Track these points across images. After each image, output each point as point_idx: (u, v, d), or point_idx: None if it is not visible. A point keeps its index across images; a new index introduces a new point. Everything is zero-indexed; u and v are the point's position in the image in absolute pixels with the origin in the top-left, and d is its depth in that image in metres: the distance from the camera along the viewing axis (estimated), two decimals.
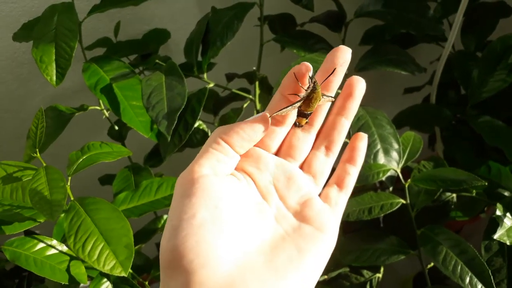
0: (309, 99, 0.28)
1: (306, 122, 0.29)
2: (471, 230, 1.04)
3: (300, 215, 0.28)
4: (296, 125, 0.29)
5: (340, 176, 0.29)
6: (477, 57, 0.74)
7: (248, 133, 0.27)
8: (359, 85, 0.29)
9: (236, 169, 0.29)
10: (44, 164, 0.42)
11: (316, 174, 0.29)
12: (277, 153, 0.30)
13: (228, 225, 0.25)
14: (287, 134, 0.30)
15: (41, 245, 0.47)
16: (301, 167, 0.30)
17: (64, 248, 0.47)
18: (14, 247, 0.46)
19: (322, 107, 0.29)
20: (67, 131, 0.56)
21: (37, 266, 0.45)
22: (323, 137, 0.30)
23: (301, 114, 0.28)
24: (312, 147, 0.30)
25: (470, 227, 1.03)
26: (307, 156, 0.30)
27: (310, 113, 0.28)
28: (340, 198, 0.29)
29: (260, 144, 0.29)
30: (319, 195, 0.29)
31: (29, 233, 0.50)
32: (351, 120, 0.30)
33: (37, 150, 0.43)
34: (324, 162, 0.30)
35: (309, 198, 0.28)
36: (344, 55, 0.28)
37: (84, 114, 0.59)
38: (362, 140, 0.30)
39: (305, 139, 0.30)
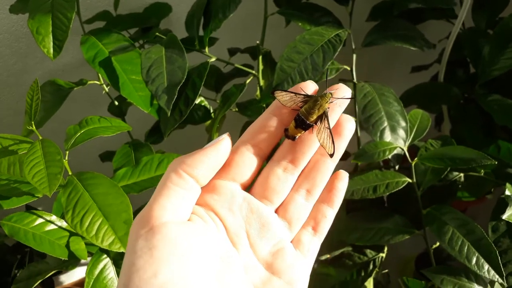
0: (313, 101, 0.26)
1: (294, 138, 0.26)
2: (476, 211, 1.03)
3: (271, 267, 0.26)
4: (287, 134, 0.26)
5: (316, 218, 0.27)
6: (488, 35, 0.72)
7: (214, 159, 0.24)
8: (348, 124, 0.27)
9: (205, 207, 0.26)
10: (40, 137, 0.41)
11: (292, 220, 0.27)
12: (252, 191, 0.27)
13: (193, 283, 0.22)
14: (267, 170, 0.27)
15: (40, 220, 0.46)
16: (277, 209, 0.27)
17: (63, 223, 0.47)
18: (13, 222, 0.45)
19: (310, 147, 0.27)
20: (67, 107, 0.55)
21: (36, 241, 0.45)
22: (304, 177, 0.27)
23: (297, 120, 0.26)
24: (292, 187, 0.27)
25: (475, 209, 1.02)
26: (285, 198, 0.27)
27: (305, 126, 0.26)
28: (313, 244, 0.27)
29: (232, 177, 0.26)
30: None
31: (29, 209, 0.50)
32: (337, 162, 0.27)
33: (33, 122, 0.41)
34: (302, 207, 0.27)
35: (282, 248, 0.26)
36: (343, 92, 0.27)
37: (84, 90, 0.58)
38: (342, 180, 0.27)
39: (286, 180, 0.27)
